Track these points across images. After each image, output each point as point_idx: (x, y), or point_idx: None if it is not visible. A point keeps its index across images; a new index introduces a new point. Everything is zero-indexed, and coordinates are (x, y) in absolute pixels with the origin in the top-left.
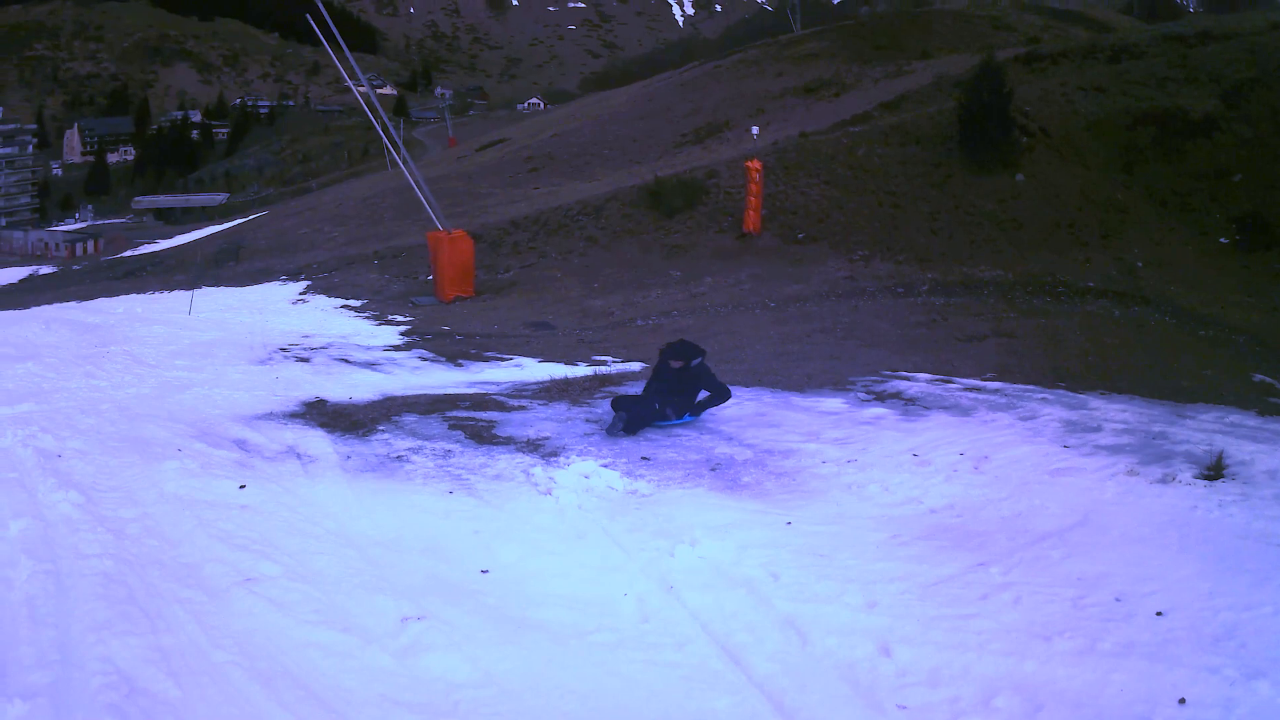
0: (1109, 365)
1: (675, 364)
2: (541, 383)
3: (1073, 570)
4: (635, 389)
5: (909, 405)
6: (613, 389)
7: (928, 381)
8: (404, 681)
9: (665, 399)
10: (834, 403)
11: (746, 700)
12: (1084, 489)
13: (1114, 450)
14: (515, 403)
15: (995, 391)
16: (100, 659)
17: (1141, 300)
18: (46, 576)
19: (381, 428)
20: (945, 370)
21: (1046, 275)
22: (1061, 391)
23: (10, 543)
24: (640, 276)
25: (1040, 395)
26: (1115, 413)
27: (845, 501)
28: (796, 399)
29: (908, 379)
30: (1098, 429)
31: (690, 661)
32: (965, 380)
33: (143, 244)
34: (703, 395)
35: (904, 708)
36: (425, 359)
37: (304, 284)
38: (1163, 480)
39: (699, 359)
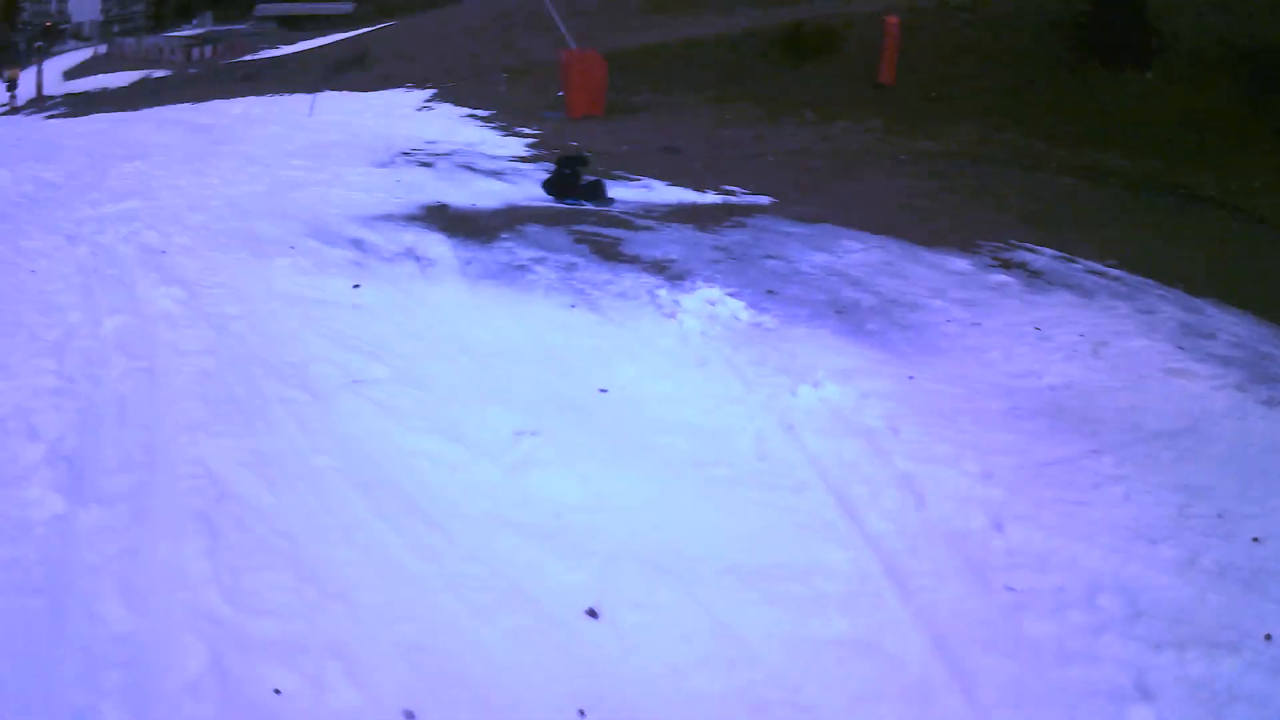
0: (1223, 275)
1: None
2: (669, 205)
3: (1180, 476)
4: (760, 221)
5: (1033, 278)
6: (741, 218)
7: (1052, 257)
8: (512, 498)
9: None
10: (960, 263)
11: (859, 558)
12: (1195, 395)
13: (1225, 361)
14: (642, 222)
15: (1116, 279)
16: (191, 461)
17: (1257, 219)
18: (140, 374)
19: (504, 235)
20: (1069, 249)
21: (1169, 176)
22: (1179, 292)
23: (103, 340)
24: (774, 112)
25: (1158, 291)
26: (1229, 324)
27: (968, 364)
28: (924, 254)
29: (1033, 251)
30: (1212, 336)
31: (806, 508)
32: (1088, 262)
33: (264, 50)
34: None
35: (1012, 589)
36: (551, 171)
37: (431, 92)
38: (1268, 403)
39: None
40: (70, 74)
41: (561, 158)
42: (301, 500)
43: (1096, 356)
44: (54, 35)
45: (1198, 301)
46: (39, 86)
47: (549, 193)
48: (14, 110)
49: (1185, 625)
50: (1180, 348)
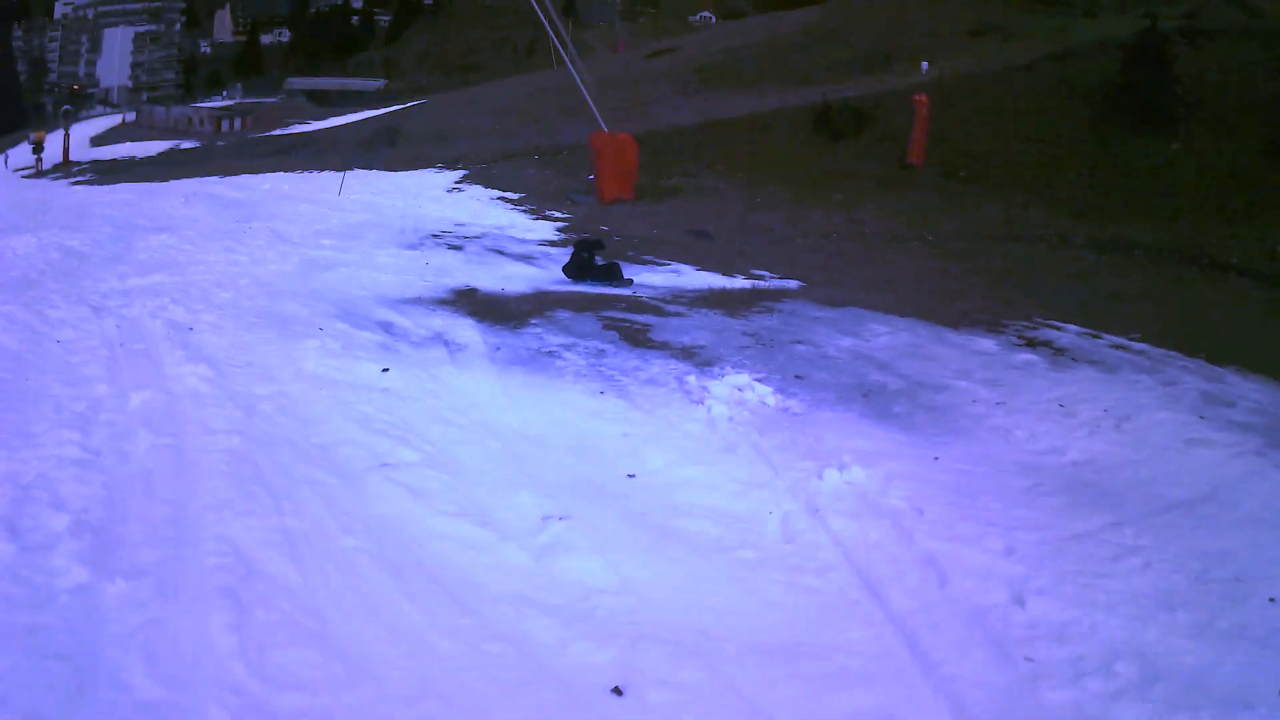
0: (1245, 343)
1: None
2: (698, 290)
3: (1199, 543)
4: (788, 306)
5: (1058, 355)
6: (769, 303)
7: (1077, 333)
8: (540, 582)
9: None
10: (986, 343)
11: (881, 635)
12: (1215, 462)
13: (1245, 428)
14: (671, 308)
15: (1140, 353)
16: (217, 539)
17: (1278, 283)
18: (167, 451)
19: (534, 321)
20: (1094, 325)
21: (1193, 245)
22: (1200, 362)
23: (130, 415)
24: (802, 195)
25: (1181, 363)
26: (1250, 391)
27: (992, 443)
28: (950, 335)
29: (1058, 328)
30: (1232, 404)
31: (830, 589)
32: (1112, 337)
33: (294, 124)
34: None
35: (1031, 660)
36: None
37: (461, 173)
38: None
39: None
40: (98, 140)
41: (579, 242)
42: (329, 579)
43: (1119, 431)
44: (81, 99)
45: (1219, 370)
46: (65, 151)
47: (569, 276)
48: (40, 174)
49: (1201, 687)
50: (1201, 417)
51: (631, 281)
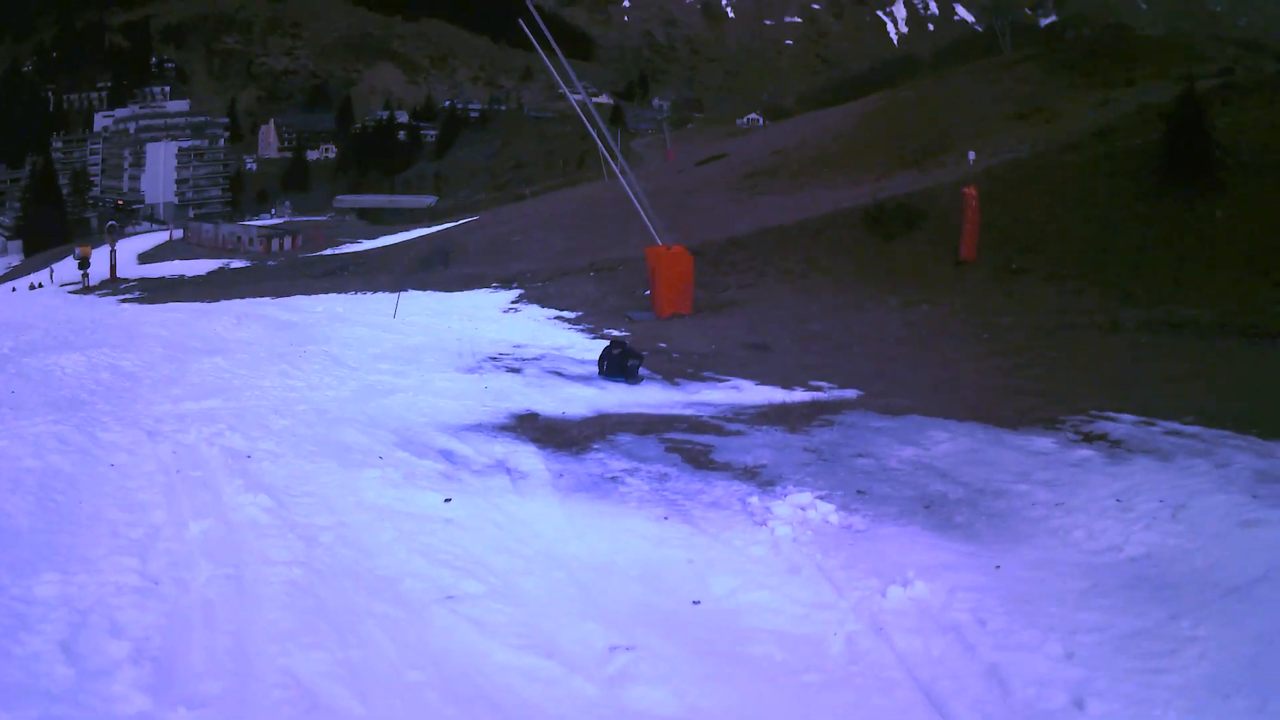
0: None
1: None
2: (758, 406)
3: (1253, 627)
4: (848, 417)
5: (1114, 448)
6: (829, 416)
7: (1132, 423)
8: (607, 713)
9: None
10: (1044, 442)
11: None
12: (1269, 542)
13: None
14: (732, 427)
15: (1193, 436)
16: (280, 670)
17: None
18: (227, 581)
19: (596, 446)
20: (1148, 411)
21: (1242, 317)
22: (1253, 438)
23: (190, 544)
24: (858, 300)
25: (1234, 442)
26: None
27: (1051, 546)
28: (1009, 436)
29: (1113, 419)
30: None
31: (895, 706)
32: (1166, 423)
33: (345, 243)
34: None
35: None
36: (642, 376)
37: (516, 292)
38: None
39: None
40: (145, 257)
41: (612, 342)
42: (394, 713)
43: (1175, 520)
44: (127, 214)
45: (1271, 445)
46: (112, 267)
47: (601, 374)
48: (87, 290)
49: None
50: (1255, 496)
51: (643, 378)
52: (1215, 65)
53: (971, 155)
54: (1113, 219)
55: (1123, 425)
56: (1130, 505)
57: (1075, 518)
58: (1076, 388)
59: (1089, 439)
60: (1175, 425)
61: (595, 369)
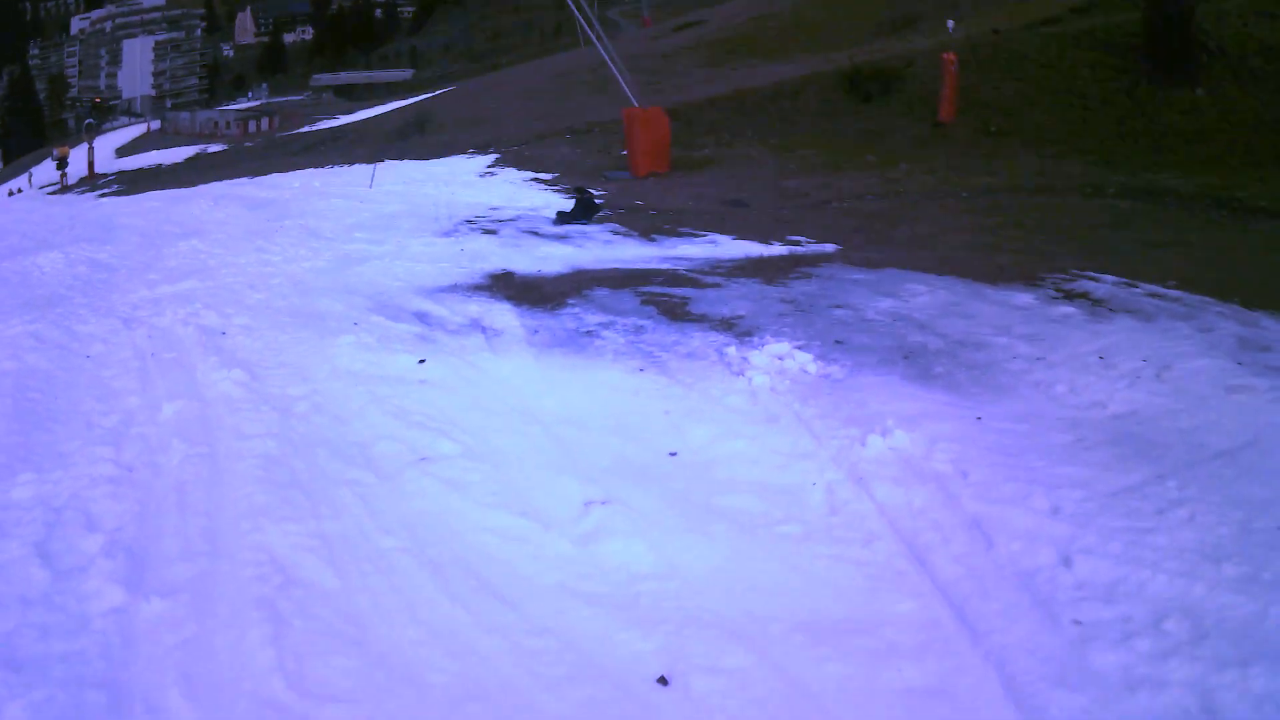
0: (1277, 285)
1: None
2: (736, 260)
3: (1243, 491)
4: (826, 270)
5: (1096, 306)
6: (807, 269)
7: (1113, 284)
8: (584, 570)
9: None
10: (1025, 298)
11: (929, 605)
12: (1256, 409)
13: None
14: (709, 279)
15: (1176, 300)
16: (254, 548)
17: None
18: (201, 460)
19: (571, 301)
20: (1130, 274)
21: (1223, 190)
22: (1235, 306)
23: (162, 426)
24: (836, 159)
25: (1217, 309)
26: None
27: (1034, 400)
28: (988, 291)
29: (1095, 279)
30: (1269, 348)
31: (876, 560)
32: (1148, 285)
33: (322, 120)
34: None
35: (1079, 622)
36: (617, 233)
37: (493, 157)
38: None
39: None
40: (123, 151)
41: (579, 189)
42: (368, 583)
43: (1159, 380)
44: (104, 111)
45: (1254, 314)
46: (90, 164)
47: (565, 219)
48: (65, 189)
49: (1249, 641)
50: (1239, 363)
51: (602, 209)
52: None
53: (951, 24)
54: (1093, 92)
55: (1105, 285)
56: (1113, 363)
57: (1058, 372)
58: (1056, 247)
59: (1070, 296)
60: (1157, 288)
61: (572, 228)
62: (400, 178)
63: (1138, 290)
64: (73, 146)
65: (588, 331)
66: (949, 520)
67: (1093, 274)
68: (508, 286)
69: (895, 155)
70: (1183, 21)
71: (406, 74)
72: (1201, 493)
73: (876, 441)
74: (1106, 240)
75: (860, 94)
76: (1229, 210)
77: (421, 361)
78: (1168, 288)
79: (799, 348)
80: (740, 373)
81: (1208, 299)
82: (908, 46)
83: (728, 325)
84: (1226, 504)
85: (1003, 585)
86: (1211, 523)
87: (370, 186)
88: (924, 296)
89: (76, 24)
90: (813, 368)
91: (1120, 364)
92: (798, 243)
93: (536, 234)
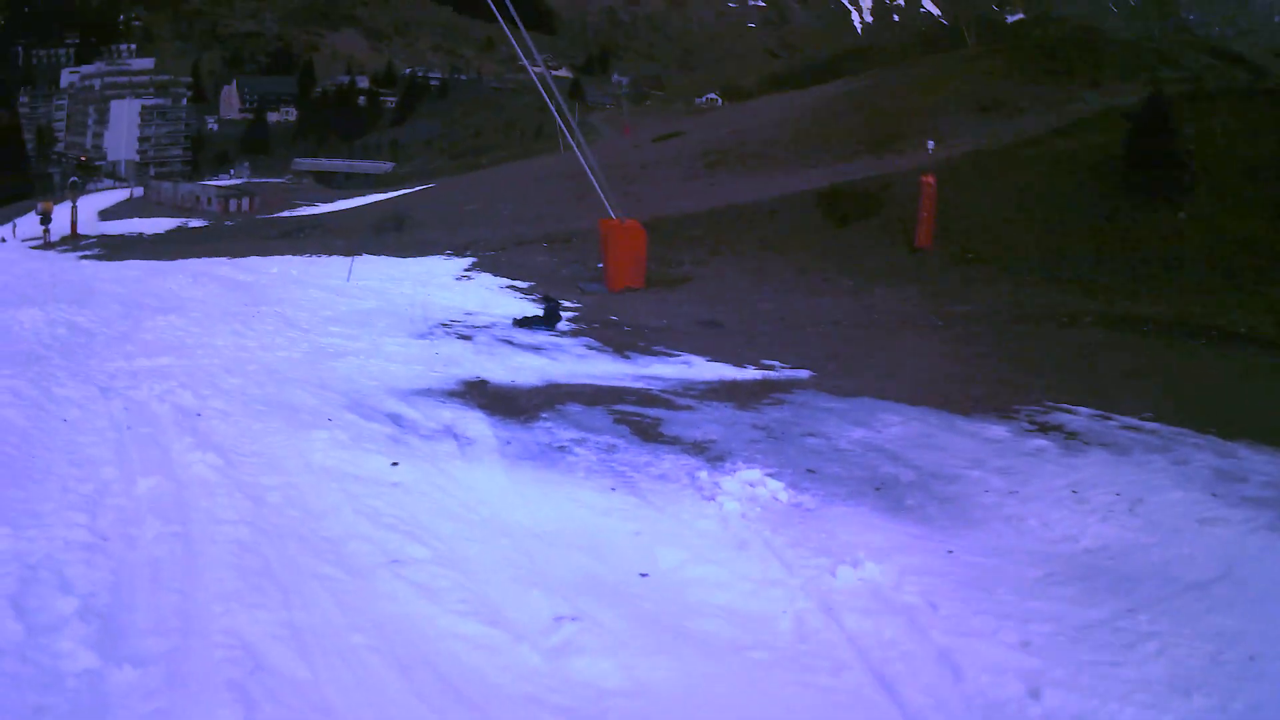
0: (1256, 414)
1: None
2: (709, 382)
3: (1213, 624)
4: (800, 397)
5: (1070, 439)
6: (780, 395)
7: (1089, 416)
8: (552, 683)
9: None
10: (998, 430)
11: None
12: (1228, 541)
13: (1258, 503)
14: (682, 401)
15: (1152, 432)
16: (225, 631)
17: None
18: (174, 539)
19: (544, 415)
20: (1105, 405)
21: (1202, 317)
22: (1212, 437)
23: (138, 500)
24: (812, 281)
25: (1193, 440)
26: (1261, 464)
27: (1005, 534)
28: (962, 423)
29: (1070, 411)
30: (1244, 479)
31: (845, 688)
32: (1124, 418)
33: (302, 206)
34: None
35: None
36: (592, 348)
37: (470, 260)
38: None
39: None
40: (105, 214)
41: (547, 298)
42: (338, 676)
43: (1132, 514)
44: (89, 170)
45: (1231, 445)
46: (73, 224)
47: (527, 324)
48: (48, 245)
49: None
50: (1214, 495)
51: (561, 319)
52: (1185, 72)
53: (930, 144)
54: (1073, 216)
55: (1079, 418)
56: (1086, 497)
57: (1030, 506)
58: (1032, 379)
59: (1044, 429)
60: (1133, 420)
61: (546, 339)
62: (377, 274)
63: (1113, 423)
64: (57, 203)
65: (560, 447)
66: (918, 651)
67: (1068, 406)
68: (481, 395)
69: (872, 280)
70: (1166, 143)
71: (387, 166)
72: (1172, 625)
73: (847, 572)
74: (1083, 371)
75: (837, 216)
76: (1207, 338)
77: (394, 464)
78: (1144, 419)
79: (771, 475)
80: (712, 497)
81: (1184, 430)
82: (887, 167)
83: (700, 449)
84: (1197, 636)
85: (970, 716)
86: (1181, 655)
87: (348, 280)
88: (897, 427)
89: (66, 77)
90: (784, 496)
91: (1093, 498)
92: (771, 367)
93: (511, 343)
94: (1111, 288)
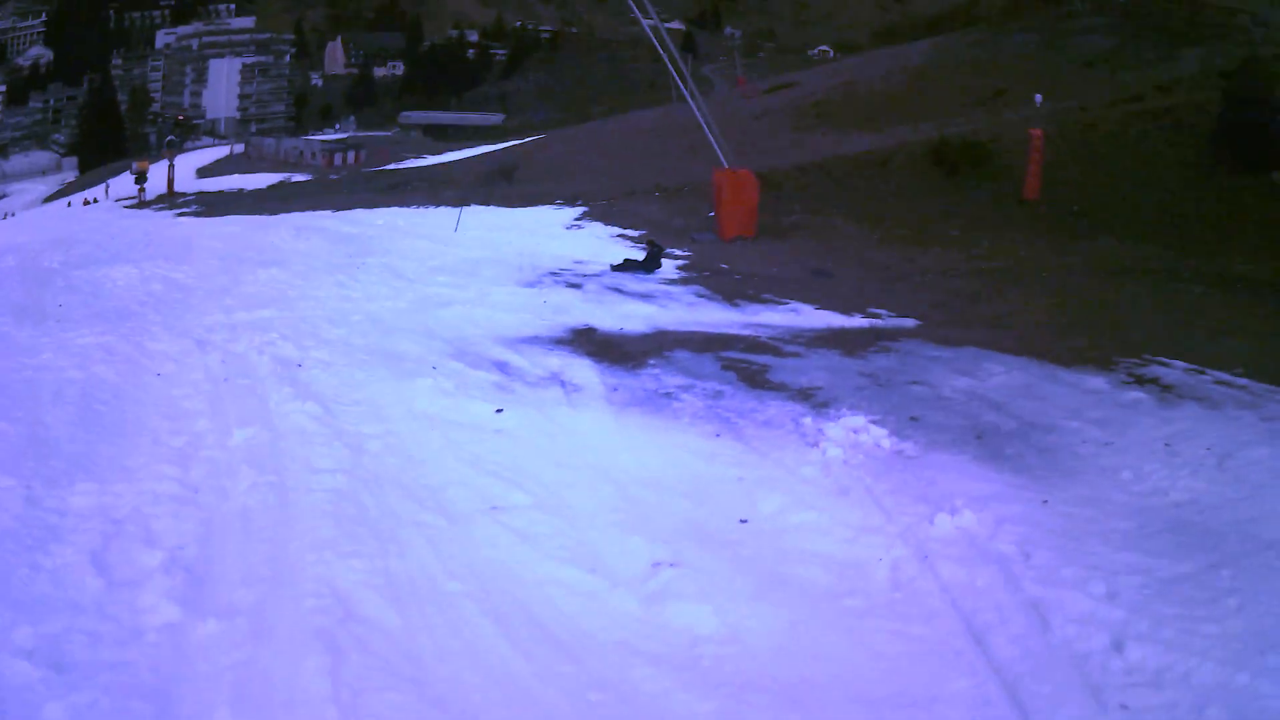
0: None
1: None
2: (817, 330)
3: None
4: (906, 345)
5: (1165, 392)
6: (887, 343)
7: (1184, 370)
8: (647, 630)
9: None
10: (1097, 382)
11: (983, 685)
12: None
13: None
14: (789, 348)
15: (1243, 388)
16: (316, 580)
17: None
18: (269, 489)
19: (652, 362)
20: (1200, 360)
21: None
22: None
23: (232, 452)
24: (920, 232)
25: None
26: None
27: (1099, 485)
28: (1063, 374)
29: (1166, 365)
30: None
31: (935, 636)
32: (1217, 373)
33: (409, 159)
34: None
35: (1125, 707)
36: (701, 295)
37: (580, 210)
38: None
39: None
40: (204, 171)
41: (652, 243)
42: (430, 624)
43: (1221, 469)
44: (187, 129)
45: None
46: (170, 182)
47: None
48: (142, 204)
49: None
50: None
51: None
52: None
53: (1039, 98)
54: (1172, 175)
55: (1175, 371)
56: (1178, 450)
57: (1124, 458)
58: (1131, 331)
59: (1141, 382)
60: (1225, 375)
61: (656, 287)
62: (485, 224)
63: (1206, 378)
64: (153, 162)
65: (666, 393)
66: (1009, 601)
67: (1164, 360)
68: (589, 342)
69: (979, 231)
70: (1260, 106)
71: (497, 118)
72: (1252, 583)
73: (944, 520)
74: (1180, 325)
75: (946, 167)
76: None
77: (499, 411)
78: (1235, 375)
79: (874, 422)
80: (815, 444)
81: (1274, 388)
82: (996, 121)
83: (805, 396)
84: (1276, 594)
85: (1056, 668)
86: (1259, 613)
87: (455, 230)
88: (1000, 377)
89: (162, 38)
90: (887, 443)
91: (1185, 451)
92: (879, 316)
93: (620, 291)
94: (1208, 245)
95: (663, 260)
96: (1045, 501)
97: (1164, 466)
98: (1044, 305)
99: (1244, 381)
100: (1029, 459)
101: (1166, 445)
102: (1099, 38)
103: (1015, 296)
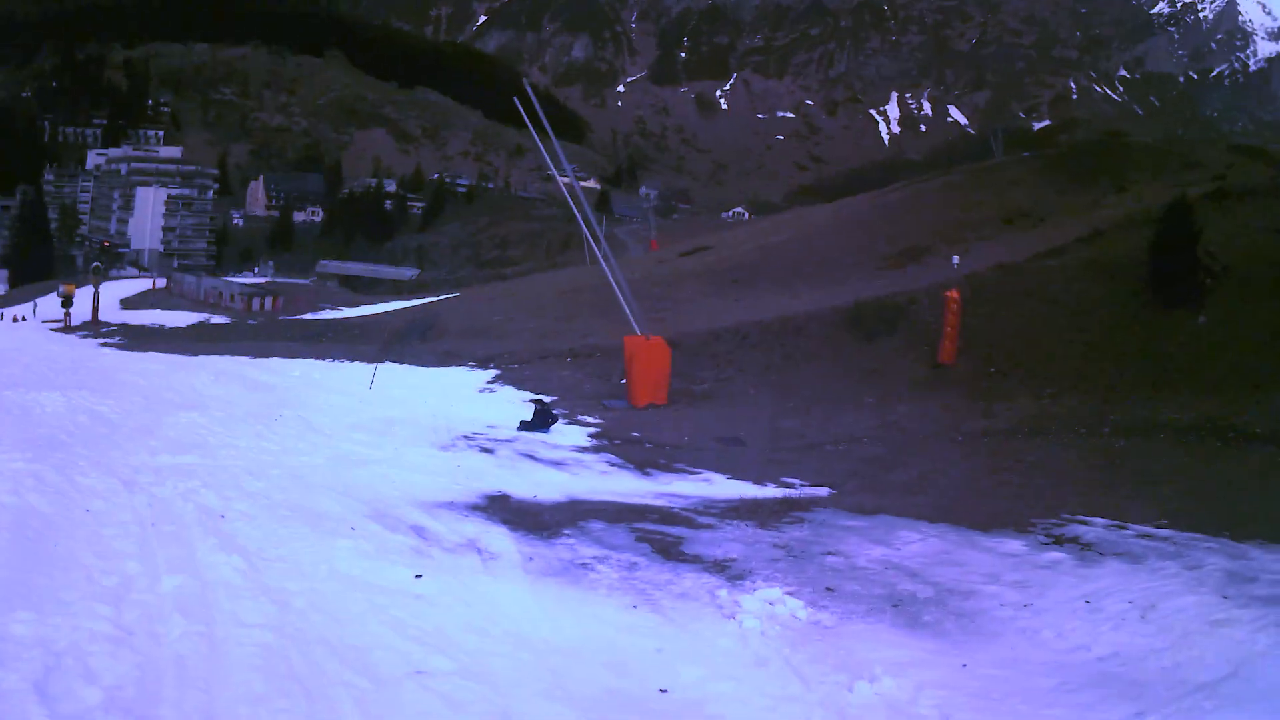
0: (1269, 513)
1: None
2: (730, 500)
3: None
4: (819, 515)
5: (1085, 550)
6: (800, 513)
7: (1104, 527)
8: None
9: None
10: (1014, 544)
11: None
12: (1238, 641)
13: (1267, 601)
14: (703, 519)
15: (1165, 539)
16: None
17: None
18: (199, 639)
19: (567, 531)
20: (1121, 515)
21: (1220, 419)
22: (1225, 540)
23: (163, 598)
24: (835, 398)
25: (1206, 544)
26: (1272, 563)
27: (1020, 645)
28: (979, 538)
29: (1085, 523)
30: (1254, 579)
31: None
32: (1138, 526)
33: (325, 308)
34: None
35: None
36: (613, 464)
37: (493, 372)
38: None
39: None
40: (128, 303)
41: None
42: None
43: (1144, 621)
44: (112, 256)
45: (1243, 546)
46: (95, 309)
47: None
48: (68, 329)
49: None
50: (1225, 597)
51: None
52: (1209, 171)
53: (955, 259)
54: (1095, 324)
55: (1094, 529)
56: (1099, 606)
57: (1044, 618)
58: (1049, 492)
59: (1060, 542)
60: (1147, 528)
61: (568, 455)
62: (400, 382)
63: (1128, 532)
64: (79, 286)
65: (582, 564)
66: None
67: (1084, 518)
68: (504, 509)
69: (894, 396)
70: (1188, 247)
71: (412, 272)
72: None
73: (864, 687)
74: (1100, 481)
75: (863, 332)
76: (1225, 439)
77: (418, 576)
78: (1158, 527)
79: (790, 593)
80: (731, 615)
81: (1197, 536)
82: (912, 282)
83: (720, 567)
84: None
85: None
86: None
87: (370, 388)
88: (916, 544)
89: (93, 158)
90: (803, 614)
91: (1106, 607)
92: (792, 485)
93: (533, 457)
94: (1131, 395)
95: (556, 418)
96: (965, 665)
97: (1085, 623)
98: (960, 469)
99: (1166, 533)
100: (947, 625)
101: (1087, 602)
102: (1023, 190)
103: (930, 461)
